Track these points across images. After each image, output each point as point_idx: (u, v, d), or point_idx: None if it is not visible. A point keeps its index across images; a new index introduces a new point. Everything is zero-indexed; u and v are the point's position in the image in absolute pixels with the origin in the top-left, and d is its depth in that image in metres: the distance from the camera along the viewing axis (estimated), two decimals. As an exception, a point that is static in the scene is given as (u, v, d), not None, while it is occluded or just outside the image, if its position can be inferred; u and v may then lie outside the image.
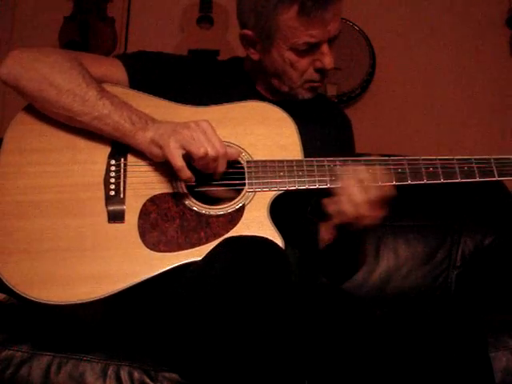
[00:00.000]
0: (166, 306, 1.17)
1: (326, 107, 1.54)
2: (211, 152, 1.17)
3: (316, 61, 1.34)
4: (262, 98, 1.43)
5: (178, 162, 1.16)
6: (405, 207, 1.43)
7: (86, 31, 2.75)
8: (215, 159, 1.18)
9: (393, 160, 1.26)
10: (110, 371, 1.26)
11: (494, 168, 1.26)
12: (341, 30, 1.32)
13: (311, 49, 1.31)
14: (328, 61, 1.33)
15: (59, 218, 1.18)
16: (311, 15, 1.26)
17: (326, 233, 1.36)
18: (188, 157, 1.18)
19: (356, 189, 1.18)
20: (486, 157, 1.27)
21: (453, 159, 1.27)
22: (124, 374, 1.26)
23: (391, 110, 2.78)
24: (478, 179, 1.25)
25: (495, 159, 1.27)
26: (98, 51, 2.70)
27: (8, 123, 1.29)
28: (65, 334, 1.28)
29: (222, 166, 1.20)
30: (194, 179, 1.19)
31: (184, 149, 1.17)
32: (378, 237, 1.93)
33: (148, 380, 1.26)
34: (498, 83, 2.78)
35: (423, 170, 1.25)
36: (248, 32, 1.35)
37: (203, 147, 1.16)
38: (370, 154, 1.81)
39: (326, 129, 1.49)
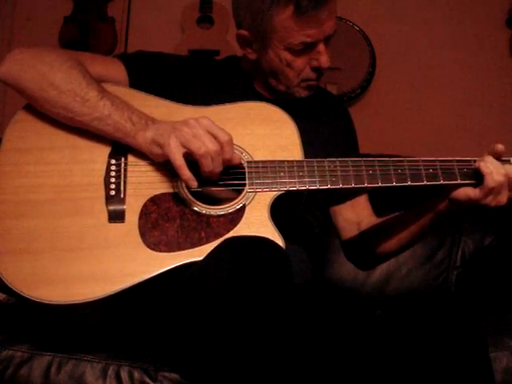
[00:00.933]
0: (167, 306, 1.17)
1: (325, 101, 1.54)
2: (212, 147, 1.16)
3: (312, 60, 1.34)
4: (260, 97, 1.43)
5: (178, 160, 1.16)
6: (405, 207, 1.43)
7: (86, 31, 2.75)
8: (218, 153, 1.17)
9: (393, 161, 1.26)
10: (110, 371, 1.26)
11: None
12: (336, 28, 1.33)
13: (307, 48, 1.32)
14: (324, 60, 1.33)
15: (59, 217, 1.18)
16: (306, 15, 1.26)
17: (350, 212, 1.38)
18: (189, 156, 1.18)
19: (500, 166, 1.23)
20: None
21: (452, 161, 1.27)
22: (124, 374, 1.26)
23: (391, 110, 2.78)
24: (474, 181, 1.25)
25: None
26: (98, 51, 2.70)
27: (8, 122, 1.29)
28: (65, 334, 1.28)
29: (229, 153, 1.19)
30: (195, 182, 1.18)
31: (184, 147, 1.17)
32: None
33: (148, 380, 1.26)
34: (498, 83, 2.78)
35: (423, 171, 1.25)
36: (244, 32, 1.35)
37: (204, 145, 1.16)
38: (369, 154, 1.81)
39: (325, 125, 1.49)
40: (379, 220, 1.45)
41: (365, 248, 1.46)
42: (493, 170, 1.21)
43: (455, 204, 1.26)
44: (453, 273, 1.97)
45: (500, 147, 1.25)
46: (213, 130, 1.18)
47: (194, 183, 1.17)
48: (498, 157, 1.25)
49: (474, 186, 1.24)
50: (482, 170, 1.22)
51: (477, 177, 1.24)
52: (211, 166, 1.18)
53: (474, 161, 1.26)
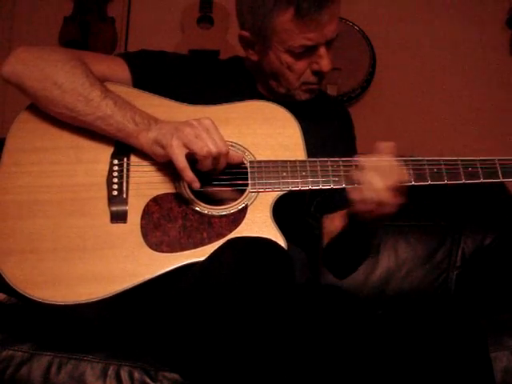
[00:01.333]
0: (168, 306, 1.17)
1: (326, 103, 1.54)
2: (214, 149, 1.17)
3: (313, 63, 1.34)
4: (263, 98, 1.43)
5: (181, 162, 1.16)
6: (405, 207, 1.44)
7: (86, 31, 2.75)
8: (217, 157, 1.18)
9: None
10: (111, 371, 1.26)
11: (499, 169, 1.26)
12: (338, 32, 1.32)
13: (308, 51, 1.31)
14: (325, 63, 1.32)
15: (62, 217, 1.18)
16: (307, 18, 1.25)
17: (339, 221, 1.36)
18: (191, 156, 1.18)
19: (377, 177, 1.18)
20: (491, 158, 1.26)
21: (457, 160, 1.26)
22: (124, 374, 1.26)
23: (391, 110, 2.78)
24: (482, 180, 1.24)
25: (499, 160, 1.27)
26: (98, 51, 2.69)
27: (9, 123, 1.29)
28: (65, 333, 1.28)
29: (222, 164, 1.20)
30: (197, 184, 1.17)
31: (187, 147, 1.17)
32: (380, 237, 1.93)
33: (148, 380, 1.26)
34: (498, 83, 2.78)
35: (427, 170, 1.25)
36: (246, 33, 1.35)
37: (206, 146, 1.16)
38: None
39: (326, 125, 1.49)
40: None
41: (331, 258, 1.46)
42: (364, 184, 1.18)
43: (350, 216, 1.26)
44: (453, 273, 1.97)
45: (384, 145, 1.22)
46: (213, 134, 1.18)
47: (197, 185, 1.17)
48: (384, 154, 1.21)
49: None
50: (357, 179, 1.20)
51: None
52: (211, 166, 1.19)
53: (479, 160, 1.25)
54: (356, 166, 1.23)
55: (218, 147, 1.17)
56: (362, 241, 1.35)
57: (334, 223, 1.46)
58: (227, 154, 1.20)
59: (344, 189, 1.24)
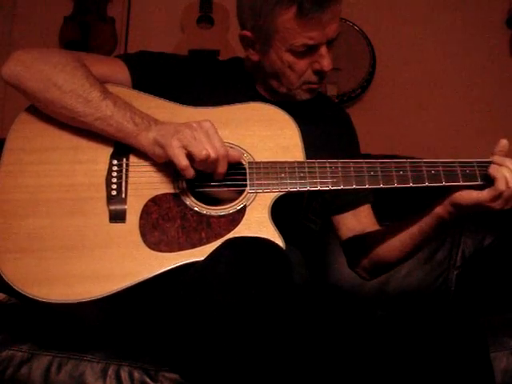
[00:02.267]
0: (167, 306, 1.17)
1: (326, 106, 1.55)
2: (212, 153, 1.17)
3: (314, 63, 1.34)
4: (262, 99, 1.43)
5: (182, 161, 1.16)
6: (405, 207, 1.44)
7: (86, 31, 2.75)
8: (215, 160, 1.18)
9: (395, 162, 1.26)
10: (111, 371, 1.26)
11: None
12: (340, 31, 1.32)
13: (309, 51, 1.31)
14: (326, 63, 1.33)
15: (60, 217, 1.18)
16: (309, 17, 1.25)
17: (443, 209, 1.33)
18: (189, 157, 1.18)
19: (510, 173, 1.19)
20: (488, 159, 1.26)
21: (454, 162, 1.26)
22: (124, 374, 1.26)
23: (391, 110, 2.78)
24: (479, 182, 1.24)
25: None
26: (98, 51, 2.70)
27: (9, 123, 1.29)
28: (65, 334, 1.28)
29: (222, 167, 1.20)
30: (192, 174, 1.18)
31: (186, 149, 1.17)
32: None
33: (148, 380, 1.26)
34: (498, 83, 2.78)
35: (425, 172, 1.25)
36: (247, 33, 1.35)
37: (205, 149, 1.16)
38: (370, 154, 1.82)
39: (326, 128, 1.49)
40: (382, 228, 1.45)
41: (368, 257, 1.45)
42: (507, 175, 1.19)
43: (458, 207, 1.24)
44: (453, 273, 1.97)
45: (504, 142, 1.24)
46: (212, 138, 1.18)
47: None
48: (505, 153, 1.23)
49: (480, 187, 1.22)
50: (493, 174, 1.20)
51: (484, 178, 1.23)
52: (209, 169, 1.20)
53: (478, 162, 1.24)
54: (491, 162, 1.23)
55: (217, 151, 1.18)
56: (437, 234, 1.33)
57: (360, 221, 1.47)
58: (226, 157, 1.20)
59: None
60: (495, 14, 2.80)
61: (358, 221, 1.48)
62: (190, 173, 1.17)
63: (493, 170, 1.21)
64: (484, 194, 1.21)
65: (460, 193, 1.23)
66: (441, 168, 1.25)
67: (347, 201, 1.47)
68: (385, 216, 1.53)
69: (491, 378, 1.13)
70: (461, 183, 1.24)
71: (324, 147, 1.42)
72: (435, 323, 1.16)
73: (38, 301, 1.11)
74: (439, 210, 1.27)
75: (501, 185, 1.19)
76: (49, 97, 1.23)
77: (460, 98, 2.78)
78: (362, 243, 1.45)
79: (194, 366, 1.17)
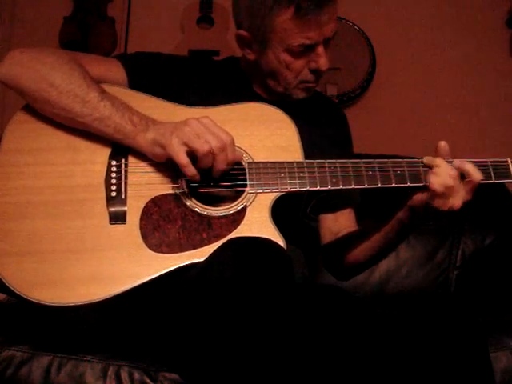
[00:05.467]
0: (168, 307, 1.17)
1: (323, 105, 1.55)
2: (216, 144, 1.16)
3: (311, 62, 1.34)
4: (259, 98, 1.43)
5: (183, 159, 1.16)
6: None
7: (86, 31, 2.75)
8: (223, 149, 1.17)
9: (392, 162, 1.26)
10: (110, 371, 1.26)
11: (491, 170, 1.26)
12: (336, 31, 1.33)
13: (306, 50, 1.32)
14: (323, 62, 1.33)
15: (60, 219, 1.18)
16: (306, 17, 1.26)
17: (344, 219, 1.38)
18: (191, 155, 1.18)
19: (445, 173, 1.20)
20: (484, 159, 1.26)
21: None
22: (124, 374, 1.26)
23: (391, 110, 2.78)
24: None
25: (492, 162, 1.27)
26: (97, 51, 2.70)
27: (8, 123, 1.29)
28: (65, 334, 1.28)
29: (231, 154, 1.19)
30: (198, 176, 1.18)
31: (187, 145, 1.17)
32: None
33: (148, 380, 1.26)
34: (498, 83, 2.78)
35: (422, 170, 1.25)
36: (243, 33, 1.35)
37: (207, 143, 1.16)
38: (369, 154, 1.82)
39: (324, 127, 1.49)
40: (353, 230, 1.45)
41: (339, 258, 1.46)
42: (440, 172, 1.20)
43: (411, 210, 1.26)
44: (453, 273, 1.97)
45: (442, 144, 1.24)
46: (214, 129, 1.18)
47: (198, 176, 1.18)
48: (443, 155, 1.24)
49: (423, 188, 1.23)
50: (429, 174, 1.22)
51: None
52: (211, 164, 1.19)
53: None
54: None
55: (222, 140, 1.17)
56: (400, 238, 1.35)
57: (338, 222, 1.48)
58: (233, 142, 1.19)
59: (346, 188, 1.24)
60: (495, 14, 2.80)
61: (336, 222, 1.49)
62: (192, 171, 1.17)
63: (429, 173, 1.22)
64: (424, 195, 1.22)
65: (413, 196, 1.24)
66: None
67: (332, 203, 1.48)
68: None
69: (491, 377, 1.13)
70: (408, 184, 1.25)
71: (321, 147, 1.42)
72: (435, 323, 1.16)
73: (38, 304, 1.11)
74: (400, 214, 1.29)
75: (434, 185, 1.19)
76: (46, 97, 1.22)
77: (460, 98, 2.78)
78: (337, 244, 1.46)
79: (193, 366, 1.17)
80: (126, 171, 1.23)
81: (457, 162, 1.23)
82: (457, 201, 1.20)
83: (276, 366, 1.03)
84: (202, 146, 1.16)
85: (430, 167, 1.23)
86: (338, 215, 1.49)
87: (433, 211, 1.23)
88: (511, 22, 2.78)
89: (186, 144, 1.16)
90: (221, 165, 1.19)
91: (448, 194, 1.20)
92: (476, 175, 1.21)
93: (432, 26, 2.81)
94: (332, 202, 1.47)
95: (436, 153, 1.25)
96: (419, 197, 1.23)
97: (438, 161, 1.22)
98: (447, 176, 1.19)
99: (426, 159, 1.24)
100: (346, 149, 1.53)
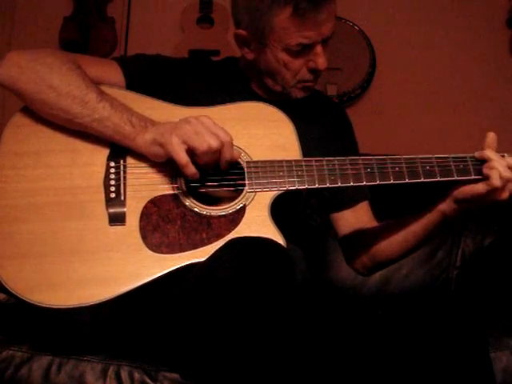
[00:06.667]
0: (169, 307, 1.17)
1: (322, 104, 1.55)
2: (214, 143, 1.16)
3: (309, 61, 1.34)
4: (257, 97, 1.43)
5: (183, 158, 1.16)
6: (405, 207, 1.44)
7: (86, 31, 2.75)
8: (221, 147, 1.17)
9: (390, 159, 1.26)
10: (111, 371, 1.26)
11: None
12: (334, 30, 1.33)
13: (305, 49, 1.32)
14: (321, 61, 1.33)
15: (59, 221, 1.17)
16: (305, 17, 1.26)
17: (445, 205, 1.34)
18: (190, 153, 1.18)
19: (502, 167, 1.21)
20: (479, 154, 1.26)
21: (448, 158, 1.27)
22: (124, 374, 1.26)
23: (391, 110, 2.78)
24: (473, 177, 1.25)
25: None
26: (97, 51, 2.70)
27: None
28: (65, 334, 1.27)
29: (229, 153, 1.19)
30: (198, 175, 1.18)
31: (186, 144, 1.17)
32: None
33: (148, 380, 1.26)
34: (498, 83, 2.78)
35: (420, 168, 1.25)
36: (242, 32, 1.35)
37: (206, 142, 1.16)
38: (369, 154, 1.81)
39: (323, 126, 1.49)
40: (382, 224, 1.45)
41: (367, 253, 1.45)
42: (498, 166, 1.21)
43: (459, 202, 1.26)
44: (453, 273, 1.97)
45: (491, 136, 1.25)
46: (213, 128, 1.18)
47: (197, 174, 1.18)
48: (493, 147, 1.25)
49: (476, 182, 1.23)
50: (486, 173, 1.22)
51: (478, 173, 1.24)
52: (211, 162, 1.19)
53: (471, 157, 1.26)
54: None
55: (219, 139, 1.17)
56: (441, 230, 1.34)
57: (358, 217, 1.48)
58: (231, 142, 1.19)
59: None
60: (495, 14, 2.80)
61: (356, 218, 1.49)
62: (192, 170, 1.17)
63: (485, 167, 1.23)
64: (480, 188, 1.22)
65: (460, 188, 1.24)
66: (435, 164, 1.26)
67: (346, 198, 1.48)
68: (387, 213, 1.53)
69: (491, 377, 1.13)
70: (455, 178, 1.24)
71: (320, 145, 1.42)
72: (435, 323, 1.16)
73: (39, 307, 1.10)
74: (442, 206, 1.28)
75: (495, 180, 1.20)
76: (44, 98, 1.22)
77: (460, 98, 2.78)
78: (361, 239, 1.46)
79: (193, 366, 1.17)
80: (124, 172, 1.23)
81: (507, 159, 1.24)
82: (506, 192, 1.22)
83: (276, 366, 1.03)
84: (201, 144, 1.16)
85: (483, 161, 1.23)
86: (357, 209, 1.49)
87: (486, 203, 1.24)
88: (511, 21, 2.78)
89: (185, 142, 1.16)
90: (221, 163, 1.19)
91: (505, 186, 1.21)
92: None
93: (432, 26, 2.81)
94: (346, 198, 1.47)
95: (485, 145, 1.25)
96: (472, 189, 1.23)
97: (491, 154, 1.23)
98: (505, 168, 1.21)
99: (478, 154, 1.25)
100: (347, 143, 1.53)
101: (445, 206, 1.28)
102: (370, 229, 1.45)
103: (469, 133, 2.71)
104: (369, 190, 1.51)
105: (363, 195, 1.50)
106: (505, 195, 1.22)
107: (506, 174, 1.20)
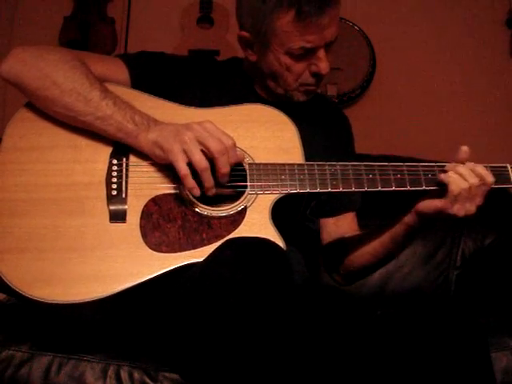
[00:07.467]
0: (167, 307, 1.17)
1: (325, 107, 1.55)
2: (218, 148, 1.16)
3: (312, 65, 1.34)
4: (261, 99, 1.43)
5: (182, 169, 1.16)
6: (405, 207, 1.44)
7: (86, 31, 2.75)
8: (224, 152, 1.17)
9: (392, 166, 1.26)
10: (110, 371, 1.26)
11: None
12: (338, 35, 1.32)
13: (307, 53, 1.32)
14: (323, 66, 1.33)
15: (60, 216, 1.18)
16: (307, 21, 1.26)
17: (347, 223, 1.38)
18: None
19: (466, 169, 1.21)
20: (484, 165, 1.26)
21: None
22: (124, 374, 1.26)
23: (391, 110, 2.78)
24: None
25: (491, 167, 1.27)
26: (97, 51, 2.69)
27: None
28: (65, 334, 1.28)
29: (233, 157, 1.19)
30: (198, 190, 1.17)
31: (186, 155, 1.16)
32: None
33: (148, 380, 1.26)
34: (498, 83, 2.78)
35: (422, 176, 1.26)
36: (245, 34, 1.35)
37: (204, 158, 1.16)
38: (369, 155, 1.82)
39: (325, 129, 1.49)
40: (357, 234, 1.45)
41: (342, 263, 1.46)
42: (455, 177, 1.20)
43: (421, 216, 1.26)
44: (453, 273, 1.97)
45: (464, 149, 1.24)
46: (216, 134, 1.18)
47: (198, 192, 1.17)
48: (463, 159, 1.24)
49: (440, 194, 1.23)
50: (444, 180, 1.22)
51: (439, 185, 1.24)
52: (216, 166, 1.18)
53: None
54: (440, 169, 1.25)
55: (223, 143, 1.17)
56: (408, 241, 1.35)
57: (339, 226, 1.48)
58: (234, 146, 1.19)
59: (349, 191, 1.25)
60: (495, 14, 2.80)
61: (337, 226, 1.49)
62: (191, 183, 1.16)
63: (443, 175, 1.23)
64: (442, 201, 1.22)
65: (423, 201, 1.25)
66: (436, 171, 1.26)
67: (333, 206, 1.48)
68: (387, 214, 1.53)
69: (491, 377, 1.13)
70: (424, 188, 1.25)
71: (322, 149, 1.42)
72: (435, 323, 1.16)
73: (38, 302, 1.11)
74: (407, 218, 1.29)
75: (454, 187, 1.19)
76: (48, 95, 1.23)
77: (460, 98, 2.78)
78: (338, 248, 1.46)
79: (194, 366, 1.17)
80: (126, 170, 1.23)
81: (469, 165, 1.23)
82: (472, 206, 1.21)
83: (276, 366, 1.03)
84: (199, 162, 1.15)
85: (446, 171, 1.23)
86: (340, 219, 1.49)
87: (447, 217, 1.23)
88: (511, 22, 2.78)
89: (185, 152, 1.16)
90: (223, 168, 1.18)
91: (466, 198, 1.20)
92: (488, 178, 1.21)
93: (432, 25, 2.81)
94: (332, 205, 1.48)
95: (457, 156, 1.25)
96: (433, 202, 1.23)
97: (456, 165, 1.23)
98: (467, 180, 1.20)
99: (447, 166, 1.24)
100: (347, 150, 1.53)
101: (410, 219, 1.29)
102: (346, 238, 1.46)
103: (468, 133, 2.72)
104: (360, 199, 1.51)
105: (350, 206, 1.50)
106: (465, 209, 1.20)
107: (464, 184, 1.19)
